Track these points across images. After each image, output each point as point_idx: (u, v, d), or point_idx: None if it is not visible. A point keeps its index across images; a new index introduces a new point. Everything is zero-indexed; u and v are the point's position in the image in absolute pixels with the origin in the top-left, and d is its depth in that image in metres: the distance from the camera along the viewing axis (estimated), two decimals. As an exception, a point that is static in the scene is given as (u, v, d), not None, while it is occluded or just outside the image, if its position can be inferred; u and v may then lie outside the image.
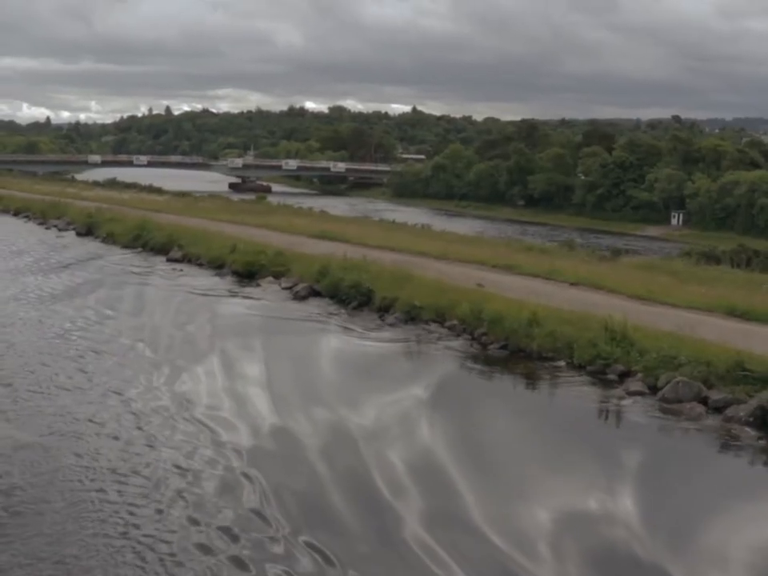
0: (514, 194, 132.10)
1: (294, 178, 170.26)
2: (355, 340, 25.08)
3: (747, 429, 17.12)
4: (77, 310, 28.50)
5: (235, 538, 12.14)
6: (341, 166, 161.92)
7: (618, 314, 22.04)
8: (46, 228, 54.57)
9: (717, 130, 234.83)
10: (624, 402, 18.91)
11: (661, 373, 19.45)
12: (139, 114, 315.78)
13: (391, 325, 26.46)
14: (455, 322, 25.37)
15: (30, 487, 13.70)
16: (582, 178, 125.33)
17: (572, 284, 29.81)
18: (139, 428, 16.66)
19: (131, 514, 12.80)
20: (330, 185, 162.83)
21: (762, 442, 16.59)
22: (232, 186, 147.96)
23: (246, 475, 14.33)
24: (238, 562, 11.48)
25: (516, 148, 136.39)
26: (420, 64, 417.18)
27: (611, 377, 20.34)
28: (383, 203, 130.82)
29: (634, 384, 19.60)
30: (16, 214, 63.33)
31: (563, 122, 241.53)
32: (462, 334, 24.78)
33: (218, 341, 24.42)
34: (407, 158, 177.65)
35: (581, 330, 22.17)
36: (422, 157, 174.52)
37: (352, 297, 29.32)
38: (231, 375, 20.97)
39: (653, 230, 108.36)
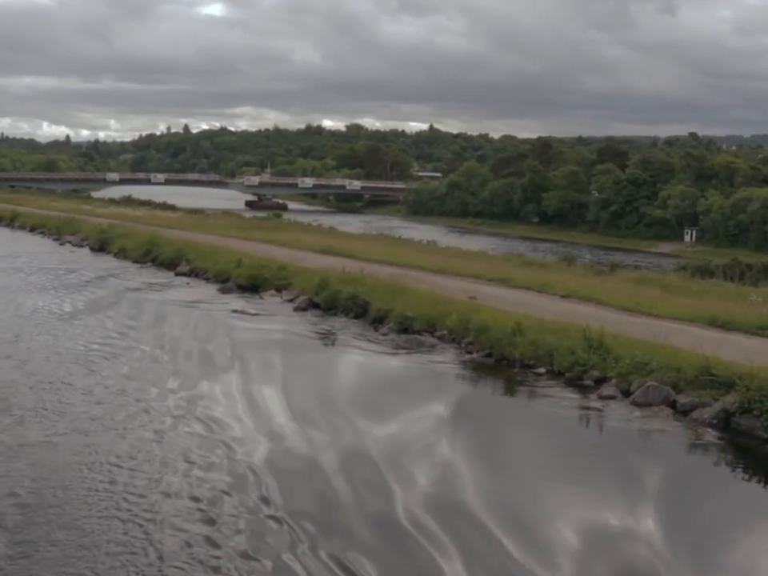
0: (529, 212, 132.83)
1: (311, 195, 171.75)
2: (347, 349, 26.07)
3: (710, 430, 17.95)
4: (89, 319, 29.89)
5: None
6: (356, 184, 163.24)
7: (602, 324, 22.92)
8: (61, 244, 56.08)
9: (734, 147, 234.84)
10: (597, 406, 19.76)
11: (634, 378, 20.30)
12: (158, 132, 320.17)
13: (384, 335, 27.39)
14: (445, 331, 26.32)
15: (52, 476, 14.85)
16: (596, 195, 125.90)
17: (563, 296, 30.58)
18: (152, 422, 18.04)
19: (141, 496, 14.05)
20: (346, 202, 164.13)
21: (722, 442, 17.43)
22: (248, 203, 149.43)
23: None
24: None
25: (530, 165, 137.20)
26: (437, 82, 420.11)
27: (587, 382, 21.15)
28: (398, 221, 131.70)
29: (608, 389, 20.46)
30: (32, 229, 65.19)
31: (580, 140, 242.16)
32: (450, 343, 25.72)
33: (216, 349, 25.57)
34: (423, 176, 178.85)
35: (562, 338, 22.97)
36: (438, 174, 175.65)
37: (349, 308, 30.32)
38: (228, 378, 22.13)
39: (665, 247, 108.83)
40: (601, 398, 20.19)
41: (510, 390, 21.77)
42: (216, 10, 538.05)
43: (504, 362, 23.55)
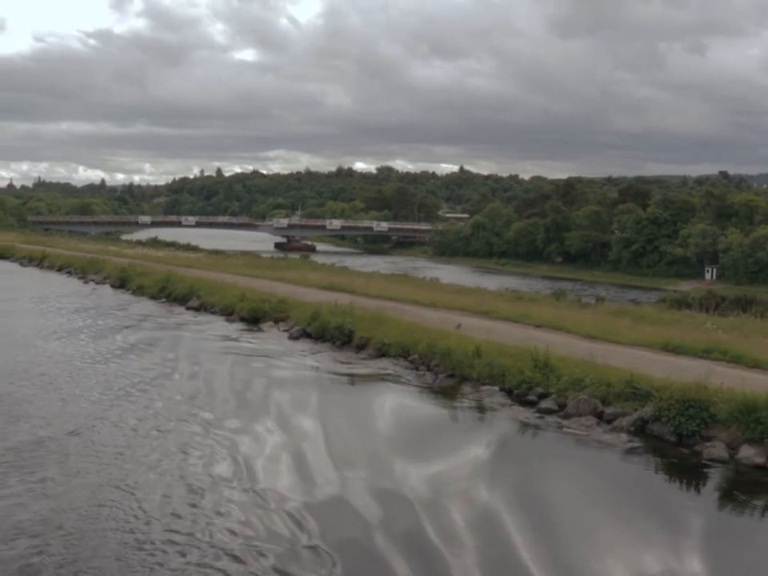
0: (552, 251, 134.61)
1: (339, 237, 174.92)
2: (327, 371, 28.54)
3: (627, 435, 20.15)
4: (107, 344, 33.31)
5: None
6: (383, 226, 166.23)
7: (558, 348, 25.26)
8: (85, 282, 59.55)
9: (765, 185, 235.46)
10: (534, 417, 22.02)
11: (570, 393, 22.51)
12: (191, 176, 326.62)
13: (363, 359, 29.88)
14: (416, 356, 28.71)
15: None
16: (618, 234, 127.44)
17: (537, 326, 32.69)
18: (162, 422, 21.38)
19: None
20: (374, 244, 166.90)
21: (635, 445, 19.66)
22: (278, 245, 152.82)
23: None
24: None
25: (553, 206, 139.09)
26: (468, 124, 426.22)
27: (531, 398, 23.36)
28: (424, 261, 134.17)
29: (547, 403, 22.68)
30: (60, 269, 68.95)
31: (609, 180, 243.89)
32: (420, 366, 28.05)
33: (212, 368, 28.32)
34: (449, 217, 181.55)
35: (516, 360, 25.20)
36: (467, 216, 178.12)
37: (336, 337, 32.84)
38: (225, 389, 25.47)
39: (685, 285, 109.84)
40: (539, 410, 22.44)
41: (464, 405, 23.84)
42: (248, 55, 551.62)
43: (464, 381, 25.86)
